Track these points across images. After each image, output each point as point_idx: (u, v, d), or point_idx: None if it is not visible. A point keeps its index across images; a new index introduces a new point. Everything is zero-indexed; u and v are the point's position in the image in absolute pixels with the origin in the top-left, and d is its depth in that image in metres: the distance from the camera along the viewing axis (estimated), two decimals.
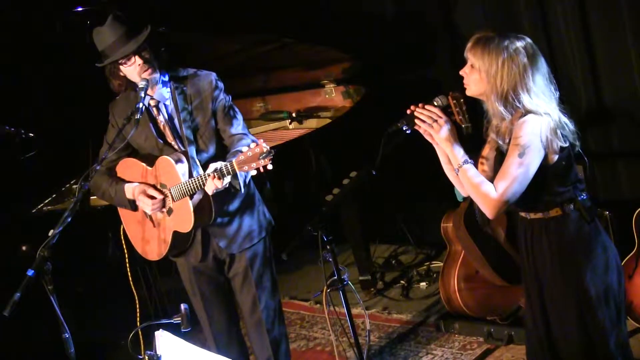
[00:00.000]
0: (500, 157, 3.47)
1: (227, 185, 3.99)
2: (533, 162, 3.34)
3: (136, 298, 4.74)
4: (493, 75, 3.36)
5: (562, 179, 3.43)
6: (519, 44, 3.36)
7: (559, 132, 3.37)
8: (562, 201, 3.45)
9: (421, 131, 3.54)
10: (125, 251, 4.57)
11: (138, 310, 4.76)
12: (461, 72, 3.48)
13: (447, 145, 3.52)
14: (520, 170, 3.34)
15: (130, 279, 4.73)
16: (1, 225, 5.57)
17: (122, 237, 4.54)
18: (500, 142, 3.44)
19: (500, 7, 5.60)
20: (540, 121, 3.34)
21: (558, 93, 3.45)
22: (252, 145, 3.82)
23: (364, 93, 5.90)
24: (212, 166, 3.94)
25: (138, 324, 4.55)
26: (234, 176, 3.99)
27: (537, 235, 3.52)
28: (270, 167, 3.81)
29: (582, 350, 3.50)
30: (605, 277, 3.47)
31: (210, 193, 4.01)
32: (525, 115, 3.36)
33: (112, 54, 4.06)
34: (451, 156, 3.52)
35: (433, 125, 3.53)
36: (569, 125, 3.42)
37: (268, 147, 3.80)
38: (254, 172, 3.90)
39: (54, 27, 5.69)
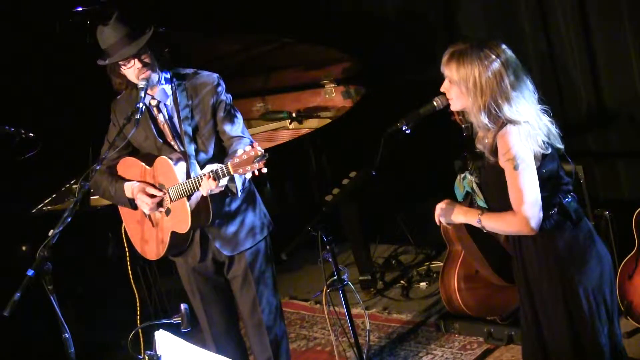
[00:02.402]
0: (490, 168, 3.46)
1: (223, 188, 3.98)
2: (529, 165, 3.34)
3: (137, 297, 4.74)
4: (472, 88, 3.35)
5: (545, 184, 3.42)
6: (493, 52, 3.34)
7: (539, 139, 3.35)
8: (545, 206, 3.44)
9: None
10: (127, 250, 4.56)
11: (139, 309, 4.76)
12: (442, 89, 3.48)
13: (460, 220, 3.65)
14: (524, 180, 3.33)
15: (131, 277, 4.73)
16: (1, 225, 5.57)
17: (124, 236, 4.54)
18: (487, 154, 3.43)
19: (500, 7, 5.59)
20: (519, 130, 3.33)
21: (537, 95, 3.43)
22: (248, 148, 3.82)
23: (364, 93, 5.89)
24: (209, 167, 3.95)
25: (138, 323, 4.54)
26: (231, 180, 3.99)
27: (524, 239, 3.52)
28: (264, 170, 3.81)
29: (574, 354, 3.50)
30: (600, 288, 3.47)
31: (204, 194, 4.01)
32: (505, 126, 3.35)
33: (112, 54, 4.07)
34: (469, 222, 3.60)
35: (442, 220, 3.71)
36: (552, 129, 3.41)
37: (262, 151, 3.80)
38: (249, 175, 3.90)
39: (54, 27, 5.69)
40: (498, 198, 3.52)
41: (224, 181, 3.93)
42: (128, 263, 4.68)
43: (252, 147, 3.82)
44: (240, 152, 3.83)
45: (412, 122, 3.80)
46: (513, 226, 3.42)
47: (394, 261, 6.28)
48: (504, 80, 3.32)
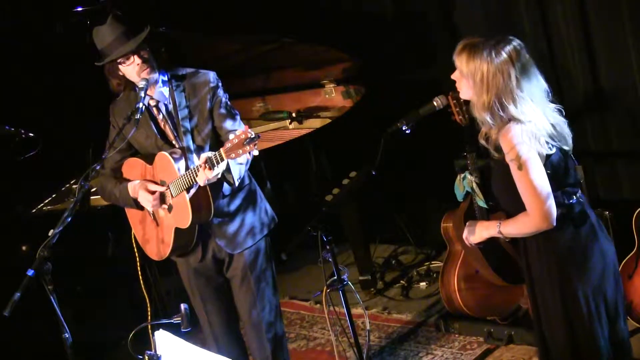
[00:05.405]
0: (496, 164, 3.46)
1: (219, 176, 3.97)
2: (535, 162, 3.33)
3: (147, 299, 4.73)
4: (478, 84, 3.34)
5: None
6: (505, 50, 3.33)
7: (542, 139, 3.35)
8: None
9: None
10: (136, 254, 4.55)
11: (149, 309, 4.76)
12: (452, 77, 3.48)
13: (484, 235, 3.63)
14: (531, 178, 3.33)
15: (142, 282, 4.73)
16: (1, 225, 5.57)
17: (133, 241, 4.53)
18: (491, 150, 3.43)
19: (500, 7, 5.59)
20: (521, 129, 3.32)
21: (549, 94, 3.43)
22: (238, 132, 3.82)
23: (364, 93, 5.89)
24: (203, 156, 3.94)
25: (149, 324, 4.49)
26: (227, 170, 3.98)
27: (528, 239, 3.53)
28: (255, 152, 3.81)
29: (571, 354, 3.50)
30: (600, 289, 3.46)
31: (201, 184, 4.00)
32: (507, 124, 3.34)
33: (111, 53, 4.07)
34: (492, 235, 3.60)
35: (471, 242, 3.70)
36: (558, 128, 3.40)
37: (253, 133, 3.79)
38: (242, 160, 3.91)
39: (54, 27, 5.69)
40: (504, 193, 3.52)
41: (218, 169, 3.91)
42: (138, 266, 4.67)
43: (243, 130, 3.81)
44: (231, 136, 3.83)
45: (412, 122, 3.81)
46: (530, 226, 3.41)
47: (394, 261, 6.28)
48: (512, 81, 3.31)
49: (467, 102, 4.45)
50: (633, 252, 4.71)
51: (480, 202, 4.71)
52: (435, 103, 3.92)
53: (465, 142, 4.71)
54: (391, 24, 6.13)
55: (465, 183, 4.74)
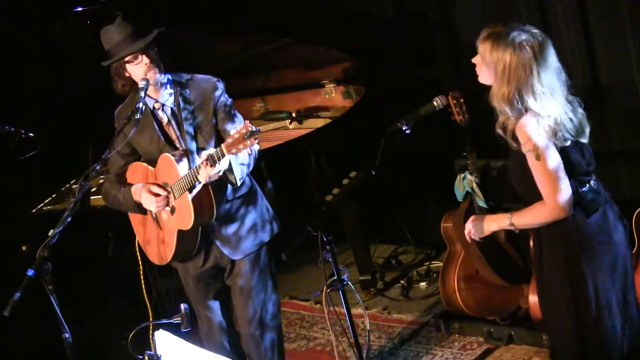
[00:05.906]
0: (513, 154, 3.47)
1: (221, 174, 3.97)
2: (551, 153, 3.35)
3: (147, 299, 4.73)
4: (500, 75, 3.35)
5: None
6: (529, 44, 3.32)
7: (559, 134, 3.36)
8: None
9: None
10: (139, 256, 4.54)
11: (149, 309, 4.75)
12: (473, 60, 3.47)
13: (492, 228, 3.60)
14: (548, 168, 3.34)
15: (142, 280, 4.72)
16: (1, 225, 5.56)
17: (137, 249, 4.53)
18: (509, 140, 3.44)
19: (500, 7, 5.59)
20: (538, 121, 3.33)
21: (568, 86, 3.43)
22: (239, 127, 3.82)
23: (364, 93, 5.89)
24: (204, 154, 3.94)
25: (149, 323, 4.50)
26: (230, 170, 3.98)
27: (541, 230, 3.53)
28: (257, 147, 3.81)
29: (575, 343, 3.50)
30: (611, 276, 3.46)
31: (203, 181, 3.99)
32: (524, 115, 3.35)
33: (119, 52, 4.06)
34: (502, 228, 3.58)
35: (474, 236, 3.66)
36: (576, 122, 3.41)
37: (254, 127, 3.78)
38: (244, 160, 3.90)
39: (54, 27, 5.69)
40: (521, 183, 3.51)
41: (220, 166, 3.91)
42: (140, 269, 4.66)
43: (243, 125, 3.81)
44: (232, 132, 3.83)
45: (412, 122, 3.81)
46: (547, 215, 3.41)
47: (394, 261, 6.28)
48: (534, 75, 3.32)
49: (467, 102, 4.47)
50: (633, 251, 4.71)
51: (480, 202, 4.72)
52: (435, 103, 3.92)
53: (465, 142, 4.72)
54: (391, 24, 6.13)
55: (465, 183, 4.75)
